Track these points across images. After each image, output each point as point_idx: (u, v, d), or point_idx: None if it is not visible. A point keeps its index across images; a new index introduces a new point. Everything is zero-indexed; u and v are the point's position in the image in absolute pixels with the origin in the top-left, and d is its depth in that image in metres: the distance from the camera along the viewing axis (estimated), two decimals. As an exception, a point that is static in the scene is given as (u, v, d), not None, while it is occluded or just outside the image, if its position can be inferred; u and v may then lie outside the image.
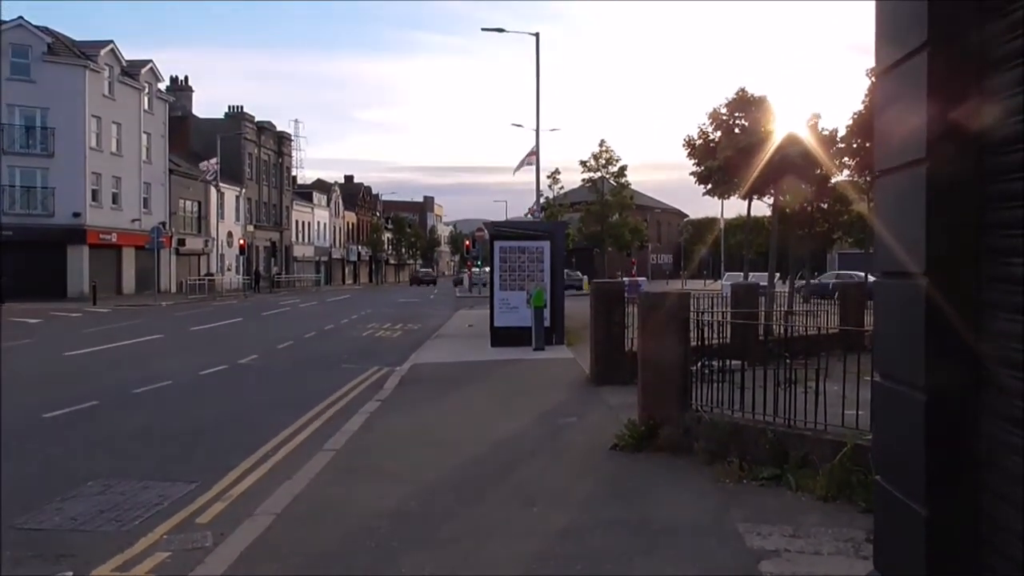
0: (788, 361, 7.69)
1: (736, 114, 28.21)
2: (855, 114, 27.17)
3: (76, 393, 11.92)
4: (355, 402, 11.50)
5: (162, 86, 52.89)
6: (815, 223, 35.87)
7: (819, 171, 27.97)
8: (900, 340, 2.84)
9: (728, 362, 8.08)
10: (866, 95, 26.72)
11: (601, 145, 51.53)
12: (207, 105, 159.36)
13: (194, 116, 62.07)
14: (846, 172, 30.62)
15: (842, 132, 28.57)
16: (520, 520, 6.02)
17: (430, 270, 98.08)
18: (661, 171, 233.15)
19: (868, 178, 29.40)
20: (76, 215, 41.54)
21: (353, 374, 14.41)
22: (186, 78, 62.72)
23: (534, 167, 31.96)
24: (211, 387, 13.25)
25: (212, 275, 54.26)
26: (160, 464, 8.02)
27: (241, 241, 57.64)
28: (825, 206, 34.22)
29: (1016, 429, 2.44)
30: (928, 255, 2.65)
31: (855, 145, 28.25)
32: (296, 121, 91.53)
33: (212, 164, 52.21)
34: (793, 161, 25.99)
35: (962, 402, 2.65)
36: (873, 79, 26.55)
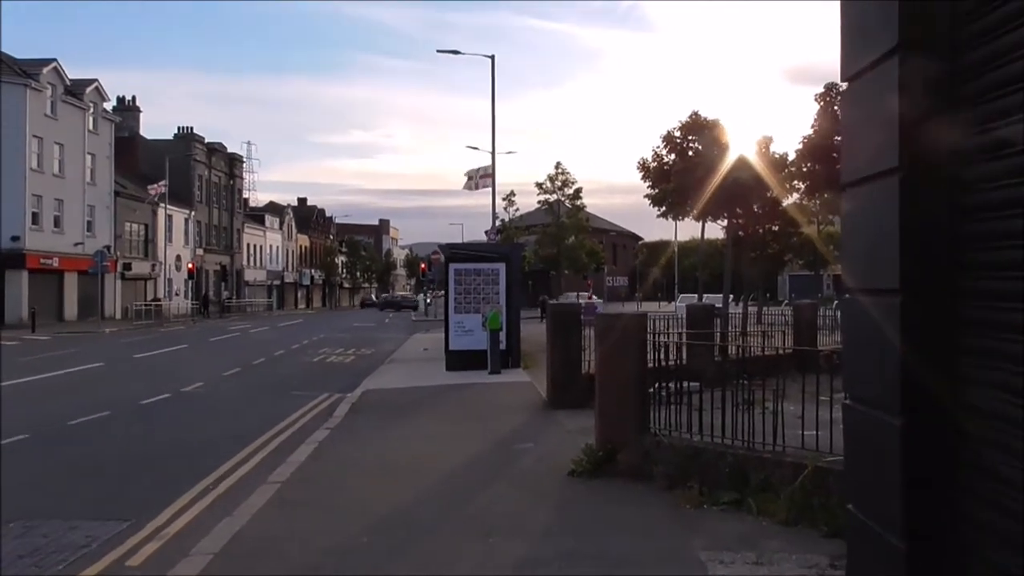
0: (746, 382, 7.59)
1: (690, 137, 28.53)
2: (804, 138, 27.74)
3: (5, 426, 11.29)
4: (303, 431, 11.11)
5: (108, 106, 51.69)
6: (767, 245, 36.47)
7: (770, 194, 28.43)
8: (872, 361, 2.68)
9: (687, 384, 7.95)
10: (815, 120, 27.31)
11: (557, 167, 51.91)
12: (156, 126, 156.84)
13: (142, 137, 60.73)
14: (795, 195, 31.17)
15: (792, 156, 29.09)
16: (475, 553, 5.75)
17: (406, 293, 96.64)
18: (616, 194, 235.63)
19: (818, 201, 29.95)
20: (15, 239, 40.12)
21: (303, 401, 13.99)
22: (133, 98, 61.40)
23: (490, 189, 31.86)
24: (152, 417, 12.71)
25: (159, 300, 52.90)
26: (91, 502, 7.55)
27: (190, 265, 56.38)
28: (776, 228, 34.79)
29: (999, 455, 2.29)
30: (903, 270, 2.50)
31: (804, 168, 28.81)
32: (248, 143, 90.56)
33: (160, 187, 51.10)
34: (745, 184, 26.37)
35: (941, 427, 2.50)
36: (822, 104, 27.19)
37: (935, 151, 2.45)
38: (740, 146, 28.08)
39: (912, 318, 2.52)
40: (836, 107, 26.49)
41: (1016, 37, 2.17)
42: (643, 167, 29.67)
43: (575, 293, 48.29)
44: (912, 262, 2.51)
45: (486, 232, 40.13)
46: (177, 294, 57.64)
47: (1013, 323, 2.24)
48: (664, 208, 29.92)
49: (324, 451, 9.44)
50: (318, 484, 7.88)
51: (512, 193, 53.84)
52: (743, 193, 26.68)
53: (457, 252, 19.47)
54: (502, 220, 48.61)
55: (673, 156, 28.68)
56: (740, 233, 31.59)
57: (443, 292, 20.28)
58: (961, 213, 2.48)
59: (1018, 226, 2.21)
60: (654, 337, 8.77)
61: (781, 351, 10.53)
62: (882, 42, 2.54)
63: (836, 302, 32.46)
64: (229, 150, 70.91)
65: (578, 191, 52.11)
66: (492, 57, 30.17)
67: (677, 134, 28.87)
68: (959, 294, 2.49)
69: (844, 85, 2.93)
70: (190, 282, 56.97)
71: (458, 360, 17.39)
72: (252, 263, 75.38)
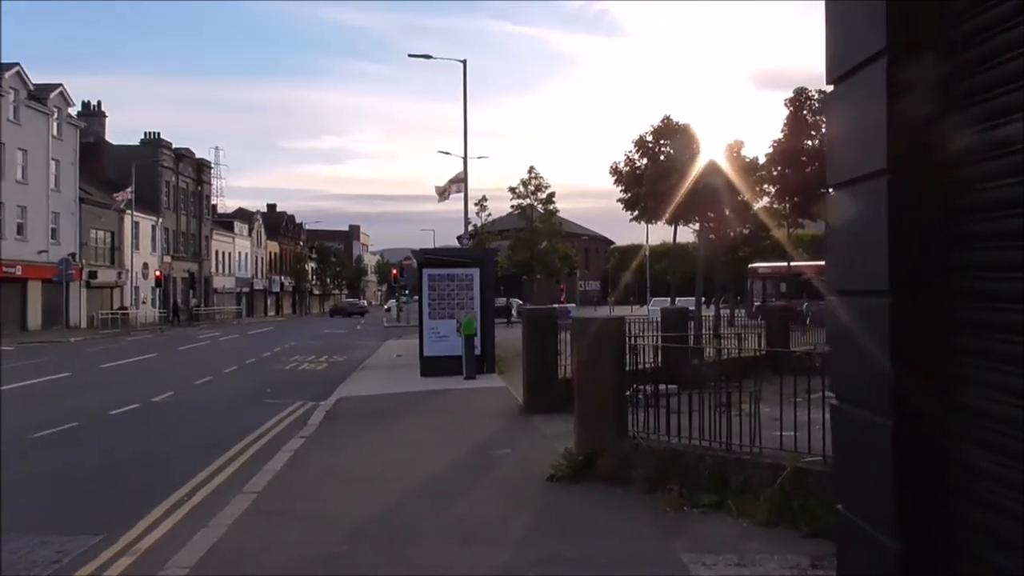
0: (723, 384, 7.63)
1: (661, 141, 28.77)
2: (774, 142, 28.12)
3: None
4: (278, 439, 10.97)
5: (73, 111, 50.81)
6: (738, 248, 36.88)
7: (740, 198, 28.75)
8: (862, 362, 2.68)
9: (666, 387, 7.98)
10: (784, 124, 27.69)
11: (530, 172, 51.99)
12: (123, 131, 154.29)
13: (108, 143, 59.75)
14: (766, 199, 31.53)
15: (762, 160, 29.46)
16: (456, 561, 5.71)
17: (356, 300, 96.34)
18: (588, 198, 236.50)
19: (787, 205, 30.29)
20: (-23, 247, 39.31)
21: (276, 410, 13.82)
22: (99, 103, 60.35)
23: (462, 194, 31.79)
24: (122, 428, 12.48)
25: (126, 308, 52.06)
26: (62, 515, 7.37)
27: (157, 272, 55.57)
28: (747, 232, 35.16)
29: (991, 455, 2.30)
30: (892, 271, 2.51)
31: (774, 172, 29.17)
32: (217, 148, 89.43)
33: (126, 193, 50.30)
34: (716, 188, 26.67)
35: (932, 427, 2.51)
36: (791, 109, 27.58)
37: (923, 153, 2.46)
38: (711, 150, 28.41)
39: (902, 319, 2.53)
40: (806, 112, 26.91)
41: (1007, 38, 2.19)
42: (615, 172, 29.88)
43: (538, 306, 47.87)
44: (901, 263, 2.52)
45: (458, 237, 40.05)
46: (144, 302, 56.78)
47: (1004, 323, 2.26)
48: (636, 212, 30.11)
49: (300, 459, 9.31)
50: (295, 493, 7.77)
51: (484, 198, 53.85)
52: (714, 197, 26.98)
53: (431, 257, 19.39)
54: (475, 225, 48.57)
55: (645, 160, 28.93)
56: (711, 236, 31.91)
57: (416, 297, 20.24)
58: (950, 214, 2.50)
59: (1007, 227, 2.23)
60: (632, 340, 8.80)
61: (757, 352, 10.61)
62: (870, 44, 2.55)
63: (806, 303, 32.84)
64: (197, 155, 70.05)
65: (551, 196, 52.23)
66: (464, 61, 30.17)
67: (649, 139, 29.14)
68: (949, 295, 2.51)
69: (830, 87, 2.94)
70: (157, 290, 56.13)
71: (433, 366, 17.31)
72: (221, 270, 74.50)
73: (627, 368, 8.17)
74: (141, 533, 6.71)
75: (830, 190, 2.99)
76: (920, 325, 2.52)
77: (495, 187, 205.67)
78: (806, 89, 26.99)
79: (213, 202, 76.73)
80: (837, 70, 2.83)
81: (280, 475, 8.51)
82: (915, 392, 2.49)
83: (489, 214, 54.92)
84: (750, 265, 37.59)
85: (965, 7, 2.35)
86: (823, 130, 27.36)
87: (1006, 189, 2.21)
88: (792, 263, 32.34)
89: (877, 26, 2.51)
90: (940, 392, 2.49)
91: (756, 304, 34.81)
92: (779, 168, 28.83)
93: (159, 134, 62.29)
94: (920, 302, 2.53)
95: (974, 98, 2.36)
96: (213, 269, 72.01)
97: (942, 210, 2.49)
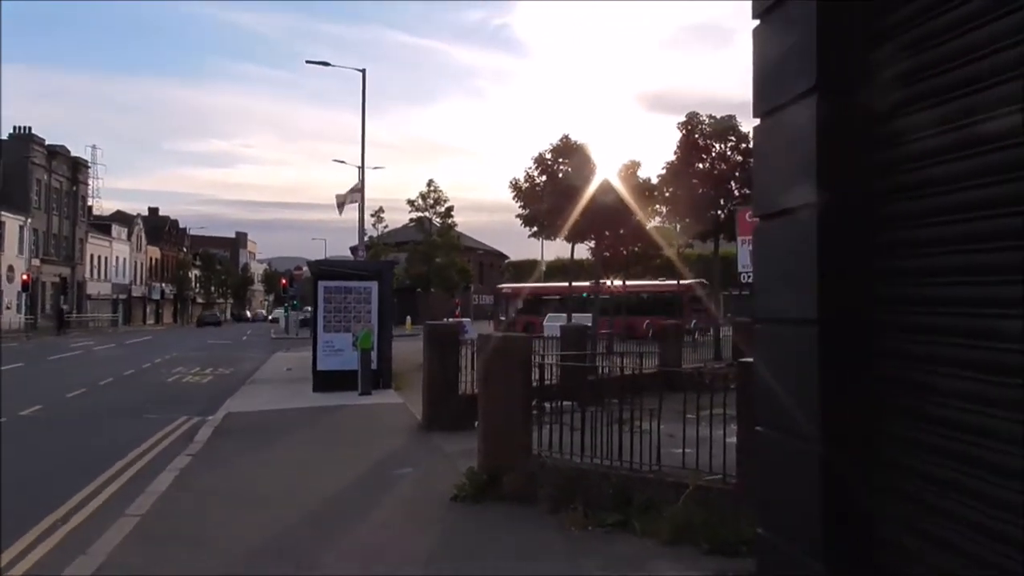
0: (625, 402, 7.75)
1: (560, 160, 29.20)
2: (667, 163, 28.98)
3: None
4: (162, 457, 10.40)
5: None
6: (631, 266, 37.89)
7: (635, 217, 29.52)
8: (789, 391, 2.76)
9: (572, 404, 8.05)
10: (677, 147, 28.60)
11: (429, 185, 51.65)
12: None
13: (-29, 137, 55.72)
14: (658, 219, 32.50)
15: (655, 180, 30.31)
16: (359, 586, 5.52)
17: (214, 311, 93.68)
18: (482, 212, 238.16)
19: (678, 225, 31.35)
20: None
21: (159, 425, 13.12)
22: (-39, 95, 56.33)
23: (358, 205, 31.23)
24: (-16, 445, 11.52)
25: (-12, 314, 48.48)
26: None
27: (24, 276, 51.98)
28: (638, 250, 36.12)
29: (918, 481, 2.39)
30: (821, 302, 2.59)
31: (667, 193, 30.08)
32: (94, 147, 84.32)
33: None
34: (611, 207, 27.33)
35: (859, 454, 2.59)
36: (684, 132, 28.54)
37: (853, 187, 2.56)
38: (607, 170, 29.10)
39: (830, 348, 2.61)
40: (697, 136, 27.93)
41: (932, 84, 2.30)
42: (515, 187, 30.10)
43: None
44: (829, 294, 2.60)
45: (352, 248, 39.28)
46: (8, 307, 52.99)
47: (925, 354, 2.36)
48: (536, 228, 30.43)
49: (187, 479, 8.85)
50: (182, 516, 7.36)
51: (381, 209, 53.14)
52: (610, 216, 27.62)
53: (326, 269, 18.93)
54: (370, 236, 47.86)
55: (544, 178, 29.29)
56: (607, 254, 32.65)
57: (308, 308, 19.70)
58: (877, 248, 2.60)
59: (929, 264, 2.34)
60: (537, 358, 8.83)
61: (658, 370, 10.85)
62: (799, 83, 2.63)
63: (694, 321, 34.07)
64: (73, 154, 66.22)
65: (450, 209, 52.10)
66: (363, 71, 29.77)
67: (548, 156, 29.55)
68: (875, 326, 2.61)
69: (757, 121, 3.02)
70: (24, 294, 52.50)
71: (326, 381, 16.88)
72: (96, 275, 70.56)
73: (532, 386, 8.19)
74: (9, 563, 6.18)
75: (757, 220, 3.06)
76: (847, 355, 2.61)
77: (392, 197, 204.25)
78: (697, 113, 28.03)
79: (89, 203, 72.82)
80: (765, 105, 2.92)
81: (165, 496, 8.05)
82: (843, 420, 2.57)
83: (386, 225, 54.24)
84: (498, 285, 41.88)
85: (890, 53, 2.46)
86: (713, 154, 28.63)
87: (934, 227, 2.32)
88: (536, 284, 37.56)
89: (807, 63, 2.59)
90: (867, 420, 2.58)
91: (502, 319, 40.44)
92: (671, 189, 29.71)
93: (30, 129, 58.49)
94: (846, 332, 2.62)
95: (901, 139, 2.47)
96: (88, 274, 68.11)
97: (869, 244, 2.59)
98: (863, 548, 2.57)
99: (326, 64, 30.81)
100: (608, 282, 37.31)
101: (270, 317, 72.08)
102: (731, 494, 6.34)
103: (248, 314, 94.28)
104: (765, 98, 2.93)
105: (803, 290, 2.67)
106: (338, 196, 30.84)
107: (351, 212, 32.07)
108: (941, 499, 2.29)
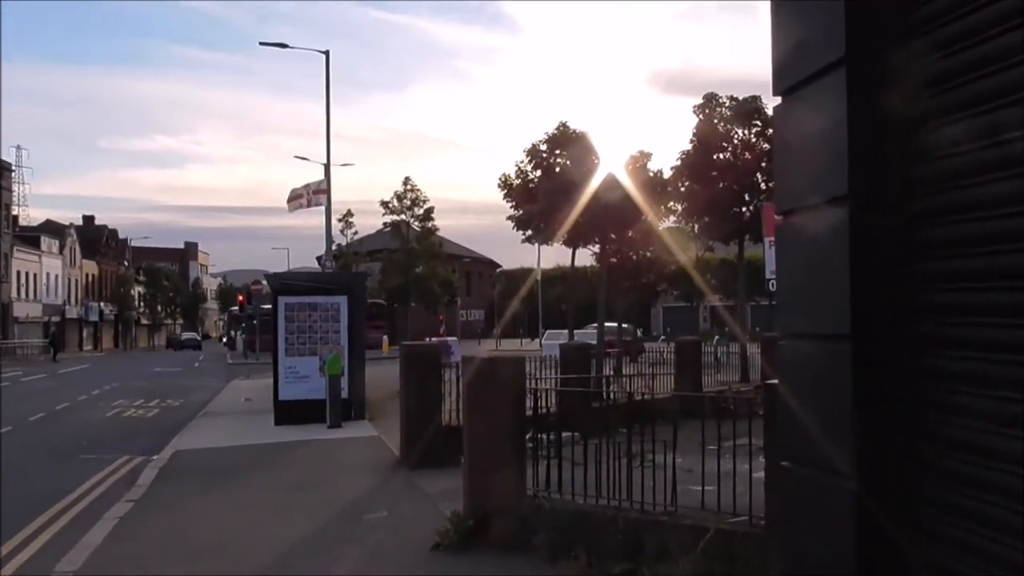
0: (635, 432, 7.70)
1: (557, 151, 29.05)
2: (682, 153, 28.71)
3: None
4: (99, 504, 10.36)
5: None
6: (640, 274, 37.69)
7: (645, 217, 29.37)
8: (818, 419, 2.70)
9: (572, 435, 8.00)
10: (693, 135, 28.47)
11: (406, 183, 51.64)
12: None
13: None
14: (672, 218, 32.35)
15: (668, 173, 30.06)
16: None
17: (195, 334, 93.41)
18: (468, 214, 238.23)
19: (696, 226, 31.18)
20: None
21: (96, 467, 13.06)
22: None
23: (324, 208, 31.03)
24: None
25: None
26: None
27: (-60, 297, 51.84)
28: (650, 255, 35.97)
29: (953, 518, 2.34)
30: (855, 313, 2.54)
31: (682, 188, 29.92)
32: (19, 148, 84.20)
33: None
34: (616, 206, 27.13)
35: (897, 490, 2.54)
36: (701, 117, 28.42)
37: (891, 178, 2.51)
38: (612, 163, 28.92)
39: (865, 368, 2.55)
40: (716, 120, 27.71)
41: (987, 49, 2.24)
42: (505, 185, 29.96)
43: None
44: (864, 304, 2.55)
45: (318, 258, 39.22)
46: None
47: (975, 373, 2.30)
48: (529, 232, 30.26)
49: (127, 529, 8.80)
50: (122, 572, 7.30)
51: (350, 213, 53.14)
52: (617, 216, 27.48)
53: (288, 283, 18.87)
54: (339, 245, 47.84)
55: (539, 172, 29.19)
56: (612, 260, 32.53)
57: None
58: (916, 248, 2.55)
59: (980, 266, 2.28)
60: (533, 384, 8.79)
61: (673, 395, 10.81)
62: (826, 51, 2.58)
63: (717, 337, 33.93)
64: (-6, 155, 66.22)
65: (429, 211, 52.07)
66: (327, 53, 29.69)
67: (543, 147, 29.42)
68: (917, 340, 2.55)
69: (778, 100, 2.98)
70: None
71: (290, 412, 16.78)
72: (24, 295, 70.38)
73: (527, 414, 8.14)
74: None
75: (779, 217, 3.02)
76: (885, 375, 2.56)
77: (364, 199, 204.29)
78: (717, 95, 27.76)
79: (14, 212, 72.69)
80: (787, 80, 2.87)
81: (102, 549, 8.02)
82: (880, 452, 2.51)
83: (356, 231, 54.28)
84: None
85: (932, 14, 2.40)
86: (735, 142, 28.31)
87: (989, 222, 2.26)
88: None
89: (835, 31, 2.54)
90: (907, 450, 2.53)
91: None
92: (687, 183, 29.39)
93: (-55, 127, 58.52)
94: (885, 349, 2.56)
95: (950, 115, 2.41)
96: (14, 294, 67.92)
97: (908, 244, 2.54)
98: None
99: (283, 46, 30.82)
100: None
101: (223, 340, 71.94)
102: (758, 539, 6.28)
103: (197, 336, 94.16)
104: (786, 72, 2.88)
105: (833, 300, 2.62)
106: (293, 191, 30.44)
107: (316, 216, 31.90)
108: (991, 543, 2.24)
